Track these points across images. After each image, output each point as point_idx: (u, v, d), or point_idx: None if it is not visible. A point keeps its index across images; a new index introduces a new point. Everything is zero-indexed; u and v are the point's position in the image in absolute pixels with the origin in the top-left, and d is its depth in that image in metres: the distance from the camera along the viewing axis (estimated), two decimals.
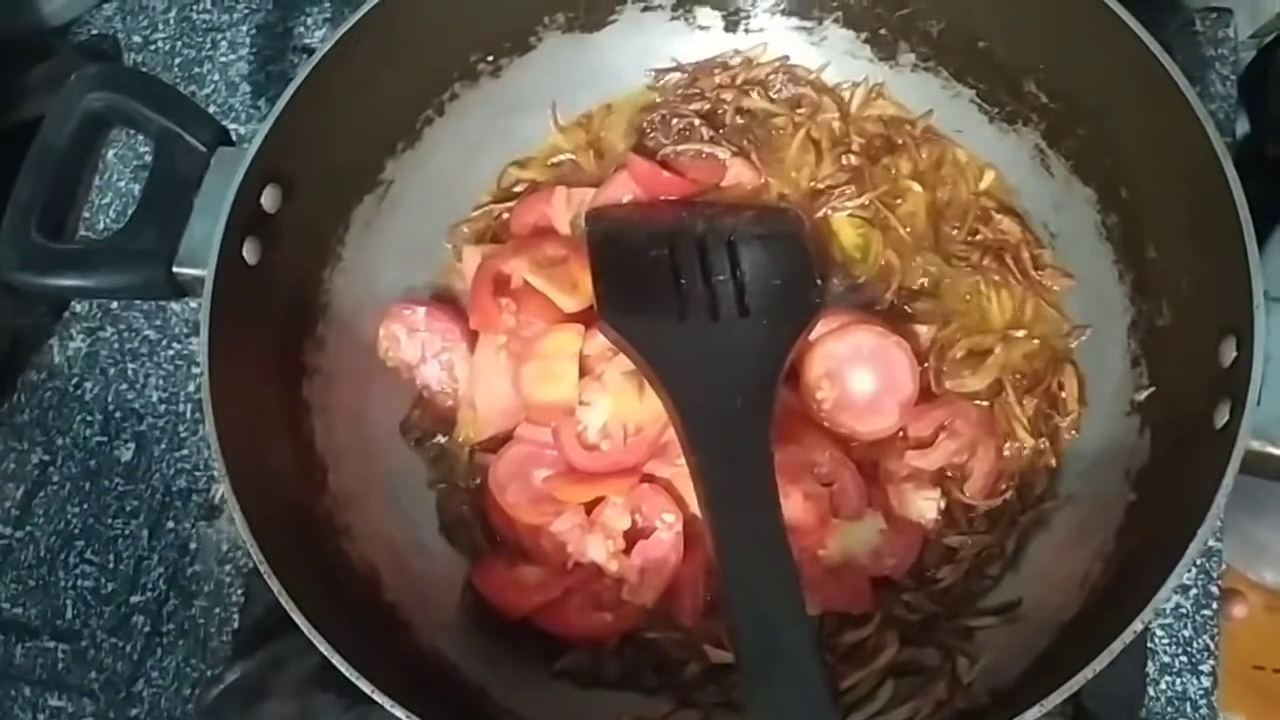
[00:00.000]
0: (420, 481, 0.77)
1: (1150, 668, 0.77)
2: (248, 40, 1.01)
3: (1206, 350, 0.63)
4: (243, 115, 0.98)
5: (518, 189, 0.85)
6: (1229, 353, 0.62)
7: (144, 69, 1.01)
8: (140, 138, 0.92)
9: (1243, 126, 1.16)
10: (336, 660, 0.59)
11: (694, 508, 0.69)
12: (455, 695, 0.68)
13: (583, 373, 0.74)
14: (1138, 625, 0.55)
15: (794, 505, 0.71)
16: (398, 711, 0.58)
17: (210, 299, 0.65)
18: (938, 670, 0.67)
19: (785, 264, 0.76)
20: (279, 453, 0.71)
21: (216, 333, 0.65)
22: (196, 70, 1.02)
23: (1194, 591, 0.79)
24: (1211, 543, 0.81)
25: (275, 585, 0.60)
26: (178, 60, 1.02)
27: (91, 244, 0.78)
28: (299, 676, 0.78)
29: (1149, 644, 0.77)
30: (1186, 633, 0.78)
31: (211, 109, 0.98)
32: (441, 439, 0.78)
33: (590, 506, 0.72)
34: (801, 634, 0.57)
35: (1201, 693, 0.77)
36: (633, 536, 0.71)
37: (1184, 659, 0.78)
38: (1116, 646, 0.55)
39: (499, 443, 0.76)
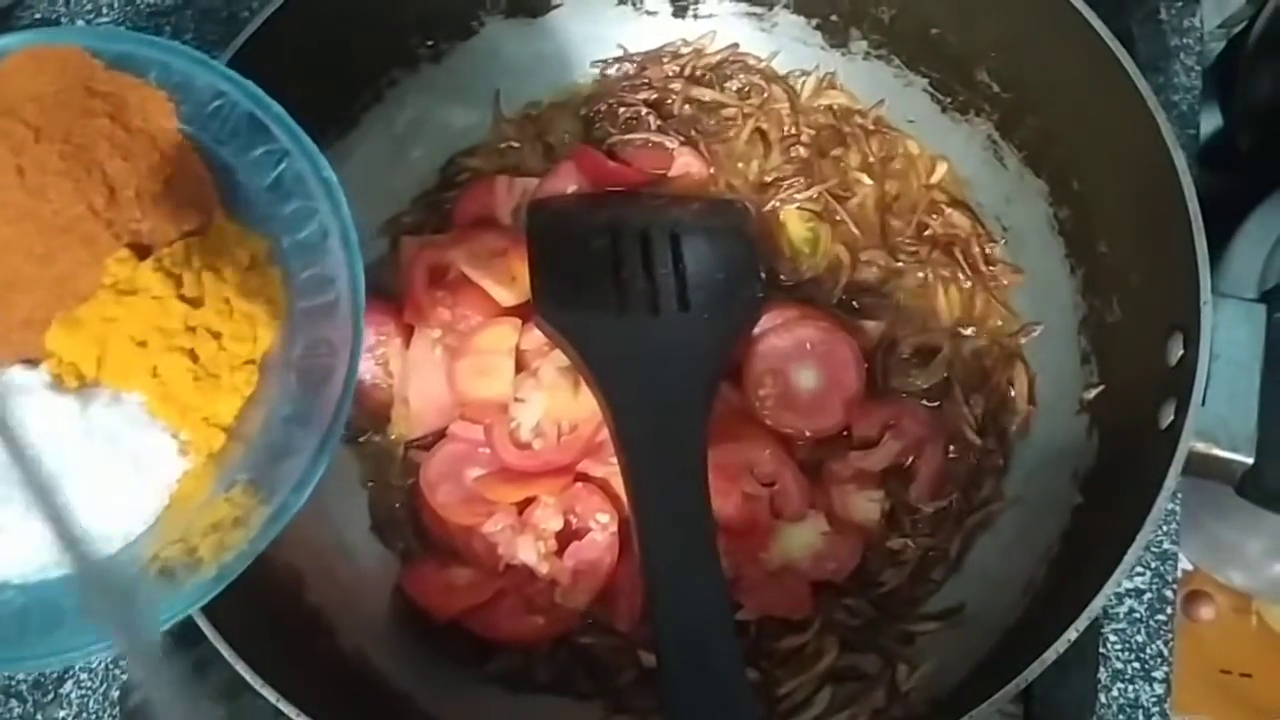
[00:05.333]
0: (353, 480, 0.75)
1: (1102, 674, 0.75)
2: (192, 25, 0.99)
3: (1154, 348, 0.62)
4: None
5: (462, 178, 0.82)
6: (1176, 350, 0.60)
7: None
8: None
9: (1214, 119, 1.14)
10: (247, 672, 0.57)
11: None
12: (379, 702, 0.66)
13: (519, 368, 0.72)
14: (1072, 633, 0.54)
15: (733, 506, 0.69)
16: None
17: None
18: (877, 677, 0.65)
19: (729, 257, 0.74)
20: None
21: None
22: None
23: (1148, 595, 0.77)
24: (1168, 545, 0.79)
25: None
26: None
27: None
28: (228, 678, 0.76)
29: (1101, 649, 0.75)
30: (1140, 638, 0.76)
31: None
32: (375, 436, 0.75)
33: (522, 507, 0.70)
34: (727, 647, 0.55)
35: (1154, 700, 0.75)
36: (566, 538, 0.69)
37: (1137, 665, 0.75)
38: (1050, 655, 0.54)
39: (433, 440, 0.74)
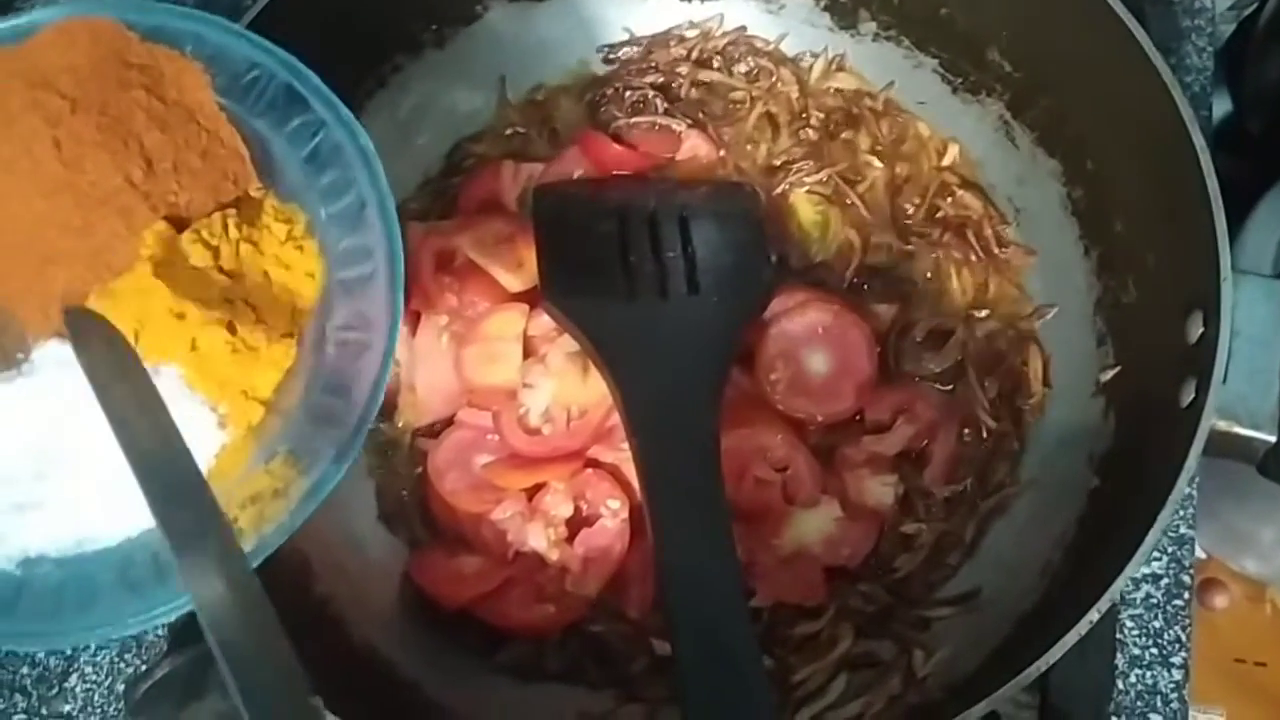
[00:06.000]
0: (360, 469, 0.74)
1: (1119, 660, 0.74)
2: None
3: (1173, 327, 0.61)
4: None
5: (467, 164, 0.82)
6: (1195, 328, 0.59)
7: None
8: None
9: (1224, 104, 1.13)
10: None
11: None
12: (388, 691, 0.65)
13: (527, 354, 0.71)
14: (1093, 615, 0.53)
15: (745, 491, 0.68)
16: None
17: None
18: (892, 664, 0.64)
19: (739, 241, 0.73)
20: None
21: None
22: None
23: (1165, 581, 0.76)
24: (1184, 530, 0.78)
25: None
26: None
27: None
28: None
29: (1118, 635, 0.74)
30: (1157, 624, 0.75)
31: None
32: (381, 424, 0.74)
33: (532, 493, 0.69)
34: (741, 634, 0.55)
35: (1172, 686, 0.74)
36: (576, 525, 0.69)
37: (1154, 651, 0.75)
38: (1070, 638, 0.53)
39: (441, 428, 0.73)
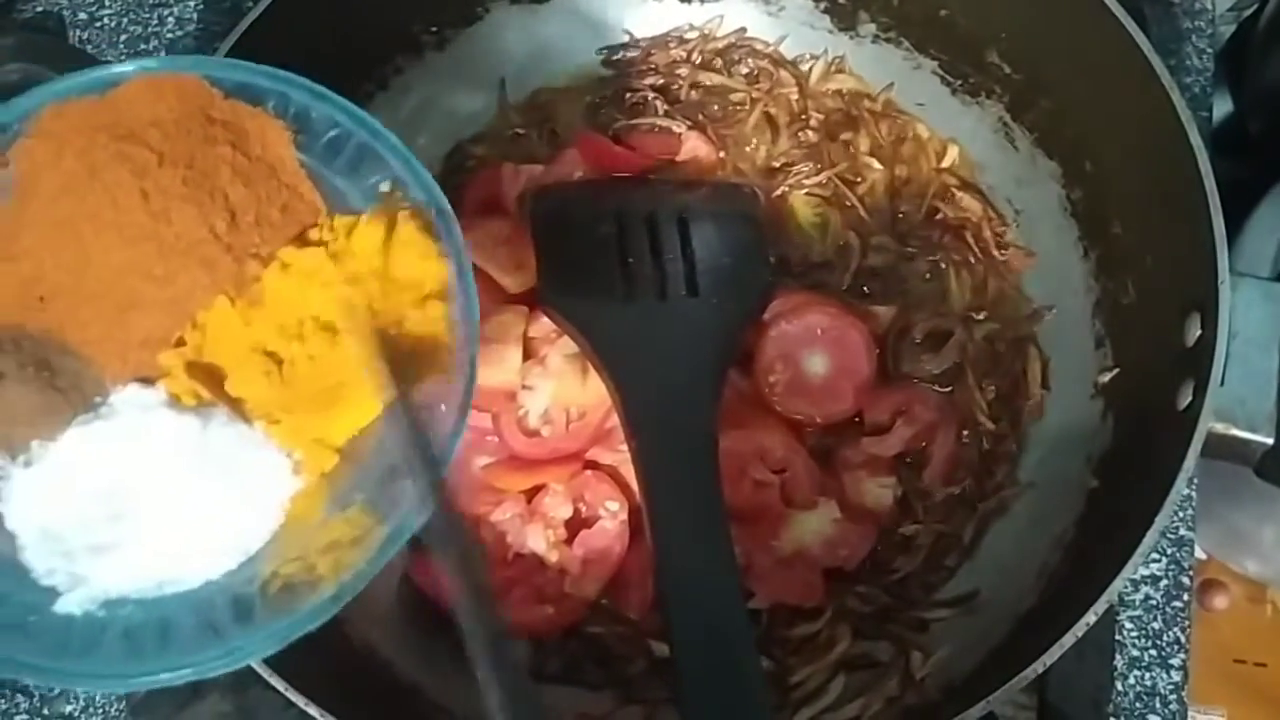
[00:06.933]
0: None
1: (1118, 661, 0.74)
2: (195, 16, 0.98)
3: (1171, 329, 0.61)
4: None
5: (468, 166, 0.82)
6: (1193, 331, 0.59)
7: (89, 46, 0.98)
8: None
9: (1225, 105, 1.13)
10: (255, 664, 0.56)
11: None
12: (387, 692, 0.65)
13: (526, 356, 0.71)
14: (1090, 617, 0.53)
15: (743, 493, 0.68)
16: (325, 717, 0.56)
17: None
18: (890, 665, 0.65)
19: (738, 242, 0.73)
20: None
21: None
22: (143, 47, 0.98)
23: (1164, 583, 0.76)
24: (1184, 532, 0.78)
25: None
26: (123, 37, 0.99)
27: None
28: (236, 672, 0.75)
29: (1117, 636, 0.75)
30: (1156, 625, 0.75)
31: None
32: None
33: (531, 495, 0.69)
34: (740, 635, 0.55)
35: (1171, 687, 0.74)
36: (575, 526, 0.69)
37: (1153, 652, 0.75)
38: (1068, 640, 0.53)
39: None
